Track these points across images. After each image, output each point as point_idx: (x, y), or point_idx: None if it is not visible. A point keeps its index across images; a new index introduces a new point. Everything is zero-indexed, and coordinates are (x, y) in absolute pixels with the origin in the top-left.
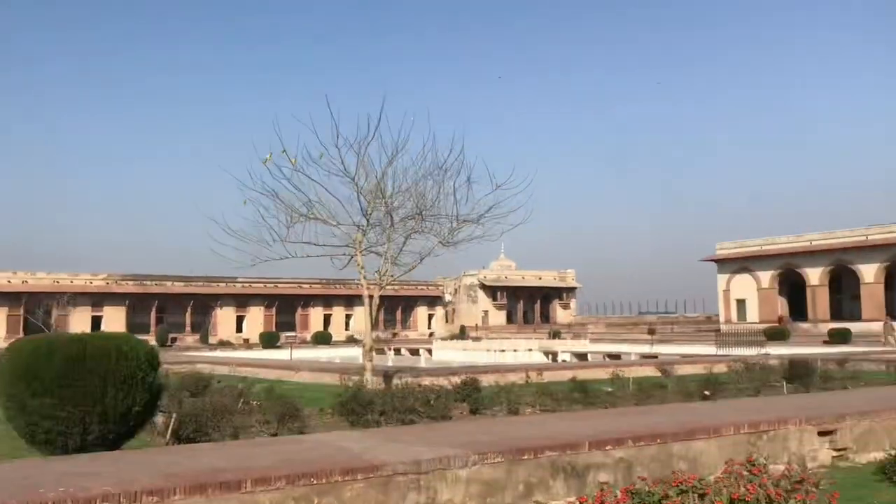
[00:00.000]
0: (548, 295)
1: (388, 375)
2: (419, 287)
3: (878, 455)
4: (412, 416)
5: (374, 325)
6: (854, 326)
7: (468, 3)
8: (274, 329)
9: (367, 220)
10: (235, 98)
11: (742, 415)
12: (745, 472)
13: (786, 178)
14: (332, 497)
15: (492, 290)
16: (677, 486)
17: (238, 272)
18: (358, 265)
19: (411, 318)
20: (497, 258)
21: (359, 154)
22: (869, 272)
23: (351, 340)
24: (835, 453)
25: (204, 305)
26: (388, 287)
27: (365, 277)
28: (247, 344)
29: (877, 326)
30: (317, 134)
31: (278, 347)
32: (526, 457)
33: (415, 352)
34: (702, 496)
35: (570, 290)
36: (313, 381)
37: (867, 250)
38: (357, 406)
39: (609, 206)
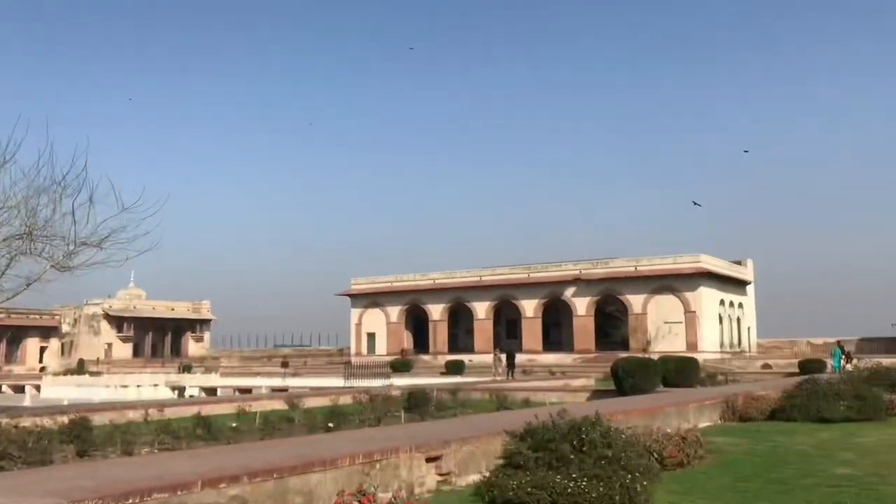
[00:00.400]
0: (180, 327)
1: None
2: (31, 316)
3: (476, 477)
4: (3, 462)
5: None
6: (468, 358)
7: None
8: None
9: None
10: None
11: (358, 445)
12: (355, 503)
13: (415, 218)
14: None
15: (118, 321)
16: None
17: None
18: None
19: (20, 351)
20: (126, 287)
21: None
22: (481, 309)
23: None
24: (440, 478)
25: None
26: None
27: None
28: None
29: (487, 358)
30: None
31: None
32: (131, 500)
33: (19, 389)
34: None
35: (205, 323)
36: None
37: (480, 290)
38: None
39: (248, 238)
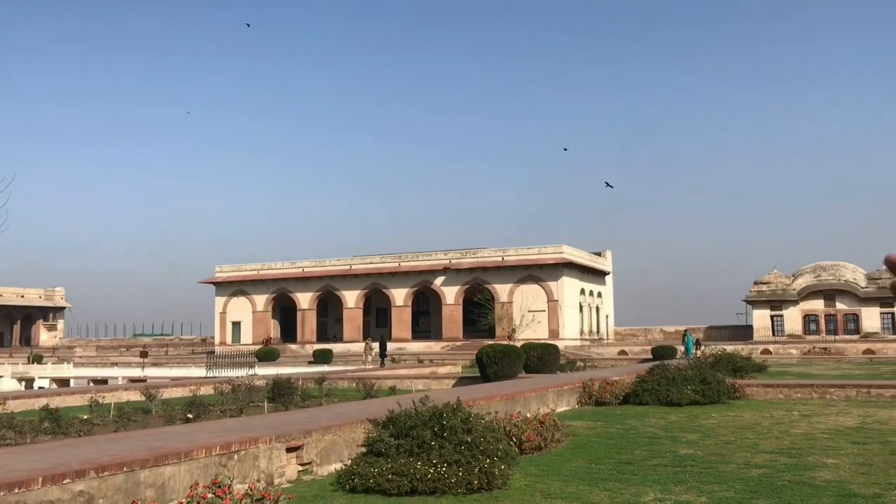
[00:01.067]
0: (31, 315)
1: None
2: None
3: (338, 466)
4: None
5: None
6: (336, 347)
7: None
8: None
9: None
10: None
11: (216, 436)
12: (209, 495)
13: (283, 205)
14: None
15: None
16: None
17: None
18: None
19: None
20: None
21: None
22: (351, 298)
23: None
24: (300, 468)
25: None
26: None
27: None
28: None
29: (357, 346)
30: None
31: None
32: None
33: None
34: None
35: (59, 310)
36: None
37: (351, 278)
38: None
39: (107, 221)
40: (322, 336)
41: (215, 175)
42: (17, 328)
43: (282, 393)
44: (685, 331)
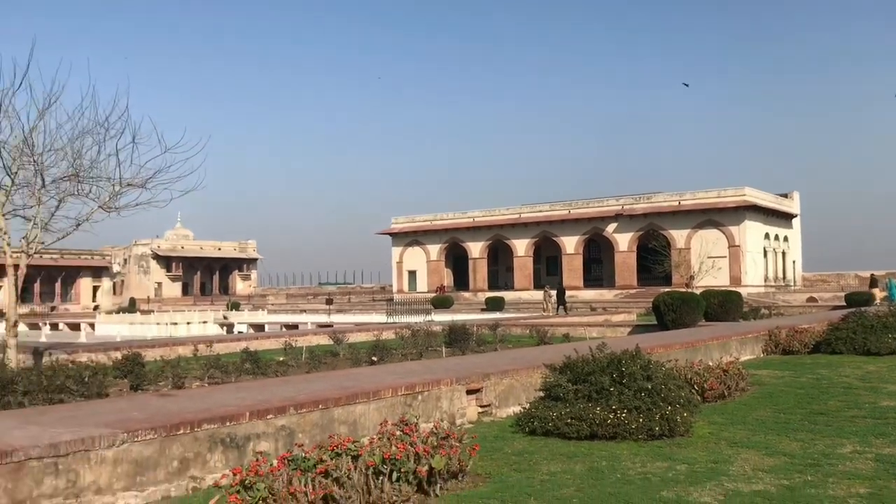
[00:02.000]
0: (227, 266)
1: (38, 352)
2: (83, 257)
3: (516, 409)
4: (62, 395)
5: (30, 298)
6: (508, 295)
7: None
8: None
9: (12, 180)
10: None
11: (400, 378)
12: (397, 432)
13: (455, 157)
14: None
15: (166, 261)
16: (333, 449)
17: None
18: (0, 230)
19: (73, 291)
20: (173, 227)
21: (1, 104)
22: (521, 246)
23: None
24: (480, 409)
25: None
26: (46, 256)
27: (9, 244)
28: None
29: (527, 295)
30: None
31: None
32: (182, 431)
33: (75, 327)
34: (355, 457)
35: (252, 262)
36: None
37: (520, 227)
38: None
39: (292, 178)
40: (493, 284)
41: (393, 128)
42: (216, 278)
43: (458, 338)
44: (887, 275)
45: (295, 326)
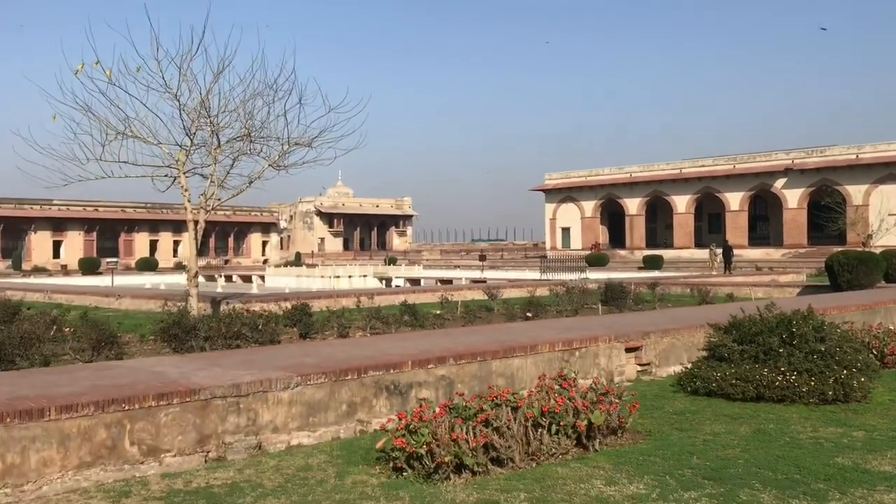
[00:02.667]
0: (384, 222)
1: (215, 301)
2: (253, 213)
3: (677, 368)
4: (238, 340)
5: (206, 252)
6: (666, 253)
7: None
8: (95, 255)
9: (192, 140)
10: None
11: (557, 333)
12: (556, 386)
13: (610, 110)
14: (145, 422)
15: (328, 218)
16: (492, 400)
17: (54, 194)
18: (181, 187)
19: (244, 245)
20: (334, 185)
21: (181, 68)
22: (681, 203)
23: (179, 267)
24: (639, 368)
25: (16, 229)
26: (219, 213)
27: (189, 200)
28: (65, 270)
29: (687, 253)
30: (134, 45)
31: (99, 274)
32: (349, 377)
33: (247, 279)
34: (514, 409)
35: (407, 218)
36: (135, 308)
37: (680, 182)
38: (180, 332)
39: (444, 136)
40: (651, 242)
41: (538, 87)
42: (374, 234)
43: (614, 296)
44: None
45: (449, 281)
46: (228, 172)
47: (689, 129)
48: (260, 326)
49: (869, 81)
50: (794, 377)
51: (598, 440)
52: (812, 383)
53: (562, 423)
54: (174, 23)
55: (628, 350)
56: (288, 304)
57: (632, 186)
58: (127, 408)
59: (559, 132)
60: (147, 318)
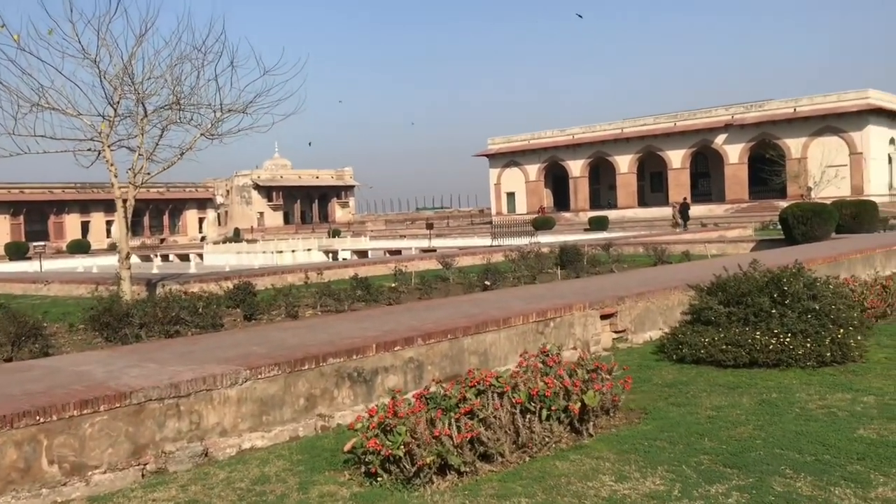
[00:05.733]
0: (326, 194)
1: (151, 284)
2: (188, 189)
3: (653, 334)
4: (178, 326)
5: (140, 232)
6: (611, 214)
7: None
8: (23, 239)
9: (115, 110)
10: None
11: (528, 303)
12: (540, 364)
13: (550, 72)
14: (66, 436)
15: (267, 191)
16: (475, 385)
17: None
18: (107, 161)
19: (180, 223)
20: (271, 157)
21: (99, 31)
22: (624, 163)
23: (112, 248)
24: (615, 335)
25: None
26: (152, 190)
27: (116, 176)
28: None
29: (631, 213)
30: (44, 6)
31: (28, 259)
32: (307, 366)
33: (184, 257)
34: (501, 395)
35: (349, 189)
36: (65, 295)
37: (622, 142)
38: (111, 319)
39: (384, 104)
40: (595, 204)
41: (483, 50)
42: (315, 206)
43: (570, 260)
44: None
45: (398, 252)
46: (157, 144)
47: (629, 88)
48: (200, 310)
49: (808, 36)
50: (788, 339)
51: (591, 423)
52: (808, 345)
53: (553, 408)
54: None
55: (603, 317)
56: (229, 284)
57: (574, 148)
58: (42, 420)
59: (501, 96)
60: (77, 305)
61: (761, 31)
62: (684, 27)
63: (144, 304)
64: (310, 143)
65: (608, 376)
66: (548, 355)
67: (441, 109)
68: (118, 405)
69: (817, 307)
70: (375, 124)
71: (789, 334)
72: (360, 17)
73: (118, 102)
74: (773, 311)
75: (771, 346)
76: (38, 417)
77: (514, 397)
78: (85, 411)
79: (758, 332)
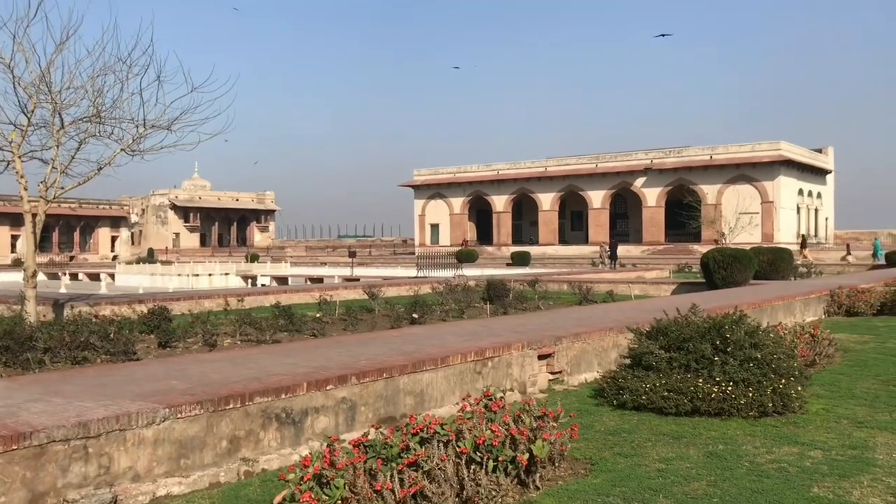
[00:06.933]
0: (245, 217)
1: (58, 304)
2: (101, 206)
3: (588, 376)
4: (86, 352)
5: (49, 248)
6: (532, 250)
7: None
8: None
9: (29, 119)
10: None
11: (464, 340)
12: (483, 409)
13: (478, 107)
14: None
15: (184, 212)
16: (418, 433)
17: None
18: (16, 172)
19: (92, 241)
20: (190, 177)
21: (15, 35)
22: (546, 200)
23: (17, 264)
24: (551, 377)
25: None
26: (64, 205)
27: (26, 188)
28: None
29: (552, 250)
30: None
31: None
32: (231, 405)
33: (95, 277)
34: (446, 444)
35: (269, 213)
36: None
37: (546, 181)
38: (13, 343)
39: (310, 130)
40: (517, 239)
41: (413, 82)
42: (233, 229)
43: (497, 294)
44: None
45: (319, 280)
46: (73, 157)
47: (554, 128)
48: (112, 335)
49: (726, 84)
50: (730, 388)
51: (538, 475)
52: (750, 394)
53: (500, 458)
54: None
55: (540, 357)
56: (143, 308)
57: (499, 184)
58: None
59: (427, 128)
60: None
61: (682, 78)
62: (609, 71)
63: (51, 326)
64: (255, 162)
65: (555, 424)
66: (491, 399)
67: (366, 137)
68: (15, 447)
69: (759, 356)
70: (298, 146)
71: (731, 383)
72: (285, 37)
73: (33, 111)
74: (716, 358)
75: (713, 395)
76: None
77: (459, 446)
78: None
79: (700, 380)
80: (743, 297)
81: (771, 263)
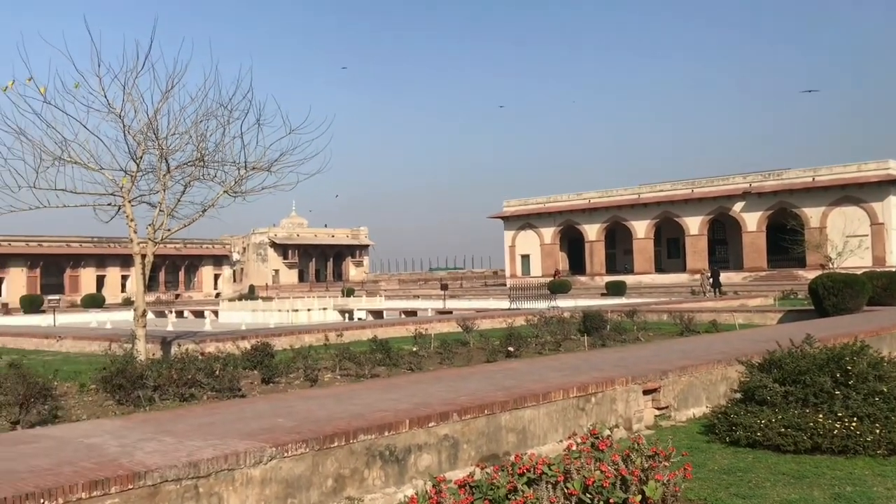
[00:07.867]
0: (340, 253)
1: (166, 342)
2: (204, 246)
3: (696, 411)
4: (193, 389)
5: (156, 287)
6: (627, 279)
7: None
8: (38, 292)
9: (138, 165)
10: None
11: (564, 375)
12: (589, 448)
13: (569, 136)
14: None
15: (282, 249)
16: (524, 473)
17: None
18: (127, 216)
19: (196, 279)
20: (288, 216)
21: (125, 86)
22: (641, 228)
23: (127, 303)
24: (657, 412)
25: None
26: (169, 246)
27: (136, 231)
28: (5, 309)
29: (648, 279)
30: (72, 59)
31: (42, 312)
32: (336, 444)
33: (199, 314)
34: (555, 485)
35: (363, 248)
36: (77, 351)
37: (639, 208)
38: (124, 381)
39: (401, 164)
40: (611, 268)
41: (498, 113)
42: (330, 265)
43: (595, 326)
44: None
45: (413, 313)
46: (179, 200)
47: (647, 154)
48: (217, 372)
49: (826, 106)
50: (854, 424)
51: None
52: (878, 431)
53: (611, 501)
54: (117, 38)
55: (645, 392)
56: (247, 344)
57: (590, 212)
58: None
59: (517, 158)
60: (89, 363)
61: (781, 101)
62: (702, 96)
63: (159, 364)
64: (336, 195)
65: (667, 463)
66: (598, 437)
67: (454, 172)
68: (131, 487)
69: (885, 389)
70: (392, 185)
71: (855, 418)
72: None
73: (141, 157)
74: (836, 392)
75: (835, 431)
76: (42, 501)
77: (567, 487)
78: (94, 493)
79: (820, 415)
80: (858, 325)
81: (886, 288)
